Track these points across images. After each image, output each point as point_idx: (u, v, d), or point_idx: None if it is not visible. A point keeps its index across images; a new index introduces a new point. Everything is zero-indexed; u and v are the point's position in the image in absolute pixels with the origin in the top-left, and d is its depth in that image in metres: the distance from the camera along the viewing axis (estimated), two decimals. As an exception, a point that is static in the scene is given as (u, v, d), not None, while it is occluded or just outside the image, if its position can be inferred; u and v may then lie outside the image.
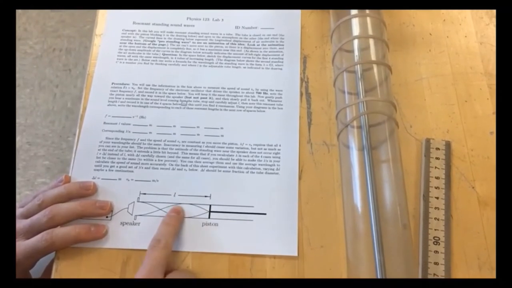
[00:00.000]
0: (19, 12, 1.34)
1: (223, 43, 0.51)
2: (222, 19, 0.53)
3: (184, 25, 0.53)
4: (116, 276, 0.41)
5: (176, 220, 0.42)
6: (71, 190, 0.43)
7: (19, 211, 0.43)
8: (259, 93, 0.49)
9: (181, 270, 0.39)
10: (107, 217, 0.43)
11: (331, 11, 0.50)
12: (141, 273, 0.37)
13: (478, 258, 0.41)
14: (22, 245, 0.40)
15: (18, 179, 1.14)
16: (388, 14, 0.51)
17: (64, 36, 1.32)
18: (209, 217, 0.43)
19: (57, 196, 0.43)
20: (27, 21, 1.34)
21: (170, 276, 0.35)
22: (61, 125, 1.22)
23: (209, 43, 0.52)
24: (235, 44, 0.51)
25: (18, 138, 1.20)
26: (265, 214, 0.43)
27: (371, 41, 0.46)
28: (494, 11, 0.52)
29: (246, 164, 0.45)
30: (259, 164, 0.45)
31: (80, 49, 1.30)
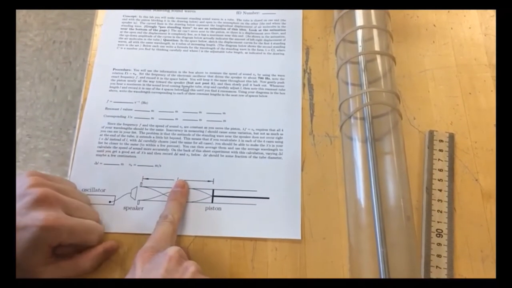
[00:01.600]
0: (19, 4, 1.34)
1: (225, 28, 0.51)
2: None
3: (185, 11, 0.53)
4: (119, 261, 0.41)
5: (180, 194, 0.42)
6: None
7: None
8: (261, 78, 0.48)
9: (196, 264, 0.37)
10: (110, 202, 0.43)
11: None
12: (148, 244, 0.36)
13: (481, 250, 0.41)
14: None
15: (18, 171, 1.14)
16: (393, 5, 0.51)
17: (65, 28, 1.32)
18: (212, 202, 0.43)
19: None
20: (27, 13, 1.34)
21: (187, 263, 0.34)
22: (61, 117, 1.22)
23: (210, 28, 0.51)
24: (237, 29, 0.51)
25: (18, 131, 1.20)
26: (268, 198, 0.43)
27: (375, 32, 0.45)
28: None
29: (249, 148, 0.45)
30: (261, 149, 0.45)
31: (80, 41, 1.30)
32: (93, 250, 0.39)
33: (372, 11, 0.46)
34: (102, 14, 0.52)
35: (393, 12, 0.50)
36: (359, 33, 0.45)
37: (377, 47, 0.45)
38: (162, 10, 0.52)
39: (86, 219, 0.39)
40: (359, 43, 0.45)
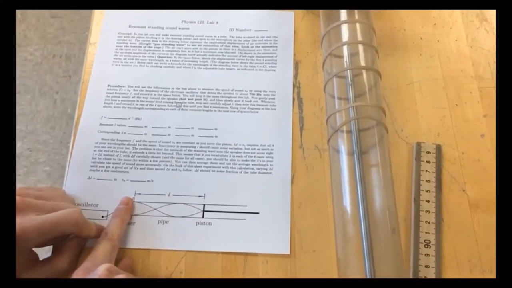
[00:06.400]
0: (18, 18, 1.36)
1: (218, 45, 0.52)
2: (217, 22, 0.54)
3: (179, 28, 0.53)
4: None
5: (123, 211, 0.42)
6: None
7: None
8: (253, 94, 0.49)
9: (129, 275, 0.36)
10: (102, 217, 0.43)
11: (321, 16, 0.50)
12: (83, 265, 0.36)
13: (469, 260, 0.41)
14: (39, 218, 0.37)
15: (19, 185, 1.15)
16: (379, 19, 0.52)
17: (64, 42, 1.34)
18: (202, 217, 0.43)
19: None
20: (27, 27, 1.35)
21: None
22: (61, 131, 1.23)
23: (203, 45, 0.52)
24: (229, 46, 0.52)
25: (19, 145, 1.21)
26: (258, 213, 0.43)
27: (361, 47, 0.46)
28: (485, 14, 0.52)
29: (239, 164, 0.46)
30: (252, 164, 0.46)
31: (79, 55, 1.32)
32: (67, 248, 0.39)
33: (358, 27, 0.47)
34: (96, 32, 0.53)
35: (380, 25, 0.51)
36: (345, 48, 0.46)
37: (362, 62, 0.45)
38: (156, 27, 0.53)
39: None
40: (345, 58, 0.45)
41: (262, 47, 0.52)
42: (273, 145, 0.46)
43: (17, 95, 1.26)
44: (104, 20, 0.54)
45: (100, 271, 0.34)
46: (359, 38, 0.46)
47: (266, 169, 0.45)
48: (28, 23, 1.36)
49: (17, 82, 1.28)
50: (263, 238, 0.42)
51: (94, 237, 0.40)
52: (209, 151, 0.46)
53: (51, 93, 1.27)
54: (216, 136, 0.47)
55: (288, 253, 0.42)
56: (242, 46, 0.52)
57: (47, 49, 1.33)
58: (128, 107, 0.49)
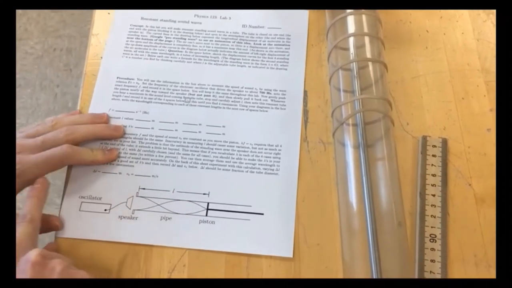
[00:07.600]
0: (19, 12, 1.35)
1: (229, 41, 0.51)
2: (230, 17, 0.53)
3: (192, 22, 0.53)
4: (114, 269, 0.41)
5: (39, 190, 0.40)
6: (84, 119, 0.46)
7: (22, 134, 0.43)
8: (263, 92, 0.48)
9: (63, 258, 0.36)
10: (105, 210, 0.43)
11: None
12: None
13: (475, 255, 0.41)
14: (32, 157, 0.40)
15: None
16: (385, 12, 0.51)
17: (65, 36, 1.33)
18: (206, 215, 0.43)
19: (72, 121, 0.45)
20: (27, 21, 1.35)
21: (52, 263, 0.33)
22: (62, 124, 1.22)
23: (215, 40, 0.52)
24: (241, 42, 0.51)
25: (19, 138, 1.20)
26: (262, 214, 0.43)
27: (367, 39, 0.46)
28: (491, 7, 0.52)
29: (246, 163, 0.45)
30: (259, 164, 0.45)
31: (80, 48, 1.31)
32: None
33: (364, 19, 0.46)
34: (98, 23, 0.53)
35: (386, 18, 0.50)
36: (351, 40, 0.45)
37: (368, 54, 0.45)
38: (168, 21, 0.52)
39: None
40: (351, 50, 0.45)
41: (275, 45, 0.51)
42: (280, 146, 0.46)
43: (17, 89, 1.26)
44: (116, 12, 0.53)
45: (33, 257, 0.33)
46: (365, 30, 0.46)
47: (273, 170, 0.45)
48: (29, 17, 1.36)
49: (18, 75, 1.27)
50: (267, 240, 0.42)
51: (101, 161, 0.44)
52: (215, 149, 0.46)
53: (51, 87, 1.27)
54: (223, 134, 0.46)
55: (291, 256, 0.41)
56: (254, 43, 0.51)
57: (48, 42, 1.32)
58: (137, 101, 0.48)
